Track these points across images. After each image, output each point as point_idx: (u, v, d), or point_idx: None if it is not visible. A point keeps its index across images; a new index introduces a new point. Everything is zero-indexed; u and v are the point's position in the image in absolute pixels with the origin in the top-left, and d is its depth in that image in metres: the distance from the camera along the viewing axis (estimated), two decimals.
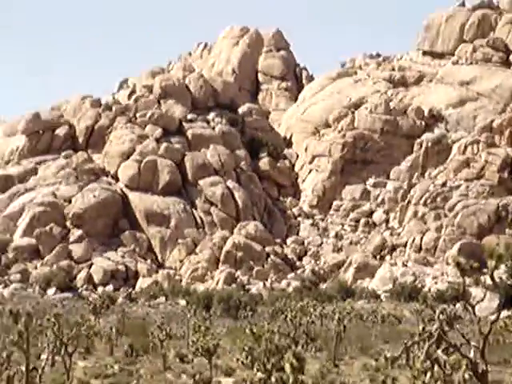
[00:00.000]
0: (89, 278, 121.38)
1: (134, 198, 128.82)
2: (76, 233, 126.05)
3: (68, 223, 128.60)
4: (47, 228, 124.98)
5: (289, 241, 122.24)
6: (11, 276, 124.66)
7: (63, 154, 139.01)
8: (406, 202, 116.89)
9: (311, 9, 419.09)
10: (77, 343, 49.75)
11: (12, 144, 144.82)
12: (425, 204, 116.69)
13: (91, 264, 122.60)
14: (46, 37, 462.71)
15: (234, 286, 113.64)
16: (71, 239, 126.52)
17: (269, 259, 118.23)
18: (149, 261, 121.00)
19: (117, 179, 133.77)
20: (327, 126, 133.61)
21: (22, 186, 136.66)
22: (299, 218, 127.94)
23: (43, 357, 45.57)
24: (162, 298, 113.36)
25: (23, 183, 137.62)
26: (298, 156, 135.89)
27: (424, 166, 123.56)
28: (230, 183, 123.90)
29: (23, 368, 37.62)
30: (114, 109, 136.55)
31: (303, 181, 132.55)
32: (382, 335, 68.69)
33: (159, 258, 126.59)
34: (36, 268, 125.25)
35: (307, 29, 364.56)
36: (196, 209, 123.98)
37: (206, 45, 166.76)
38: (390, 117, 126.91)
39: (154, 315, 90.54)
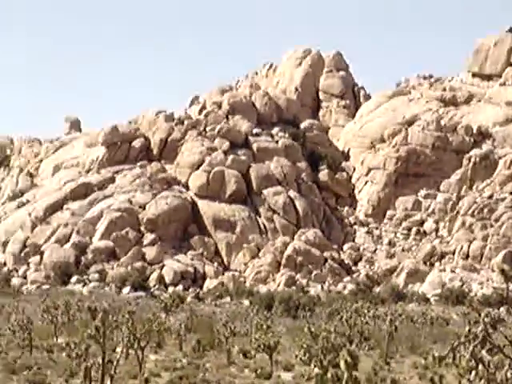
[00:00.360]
0: (160, 279, 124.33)
1: (203, 205, 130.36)
2: (149, 237, 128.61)
3: (142, 228, 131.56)
4: (123, 232, 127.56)
5: (345, 247, 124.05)
6: (90, 275, 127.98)
7: (139, 164, 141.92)
8: (455, 212, 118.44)
9: (370, 32, 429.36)
10: (149, 338, 50.09)
11: (92, 154, 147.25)
12: (472, 215, 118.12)
13: (163, 266, 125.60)
14: (126, 58, 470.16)
15: (293, 288, 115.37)
16: (145, 242, 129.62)
17: (326, 264, 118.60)
18: (215, 263, 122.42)
19: (187, 188, 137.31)
20: (382, 141, 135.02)
21: (101, 193, 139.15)
22: (355, 226, 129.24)
23: (118, 350, 44.88)
24: (228, 298, 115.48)
25: (102, 190, 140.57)
26: (354, 169, 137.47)
27: (472, 179, 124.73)
28: (292, 193, 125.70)
29: (100, 360, 37.25)
30: (185, 123, 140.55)
31: (359, 191, 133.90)
32: (430, 336, 68.62)
33: (225, 261, 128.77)
34: (112, 268, 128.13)
35: (366, 51, 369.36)
36: (260, 216, 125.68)
37: (271, 65, 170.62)
38: (440, 133, 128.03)
39: (220, 314, 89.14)
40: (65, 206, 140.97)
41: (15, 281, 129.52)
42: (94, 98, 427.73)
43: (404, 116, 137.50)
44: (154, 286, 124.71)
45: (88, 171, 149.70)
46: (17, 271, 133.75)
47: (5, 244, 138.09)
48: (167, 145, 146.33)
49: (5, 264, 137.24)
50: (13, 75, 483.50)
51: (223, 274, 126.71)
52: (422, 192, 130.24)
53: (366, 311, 70.29)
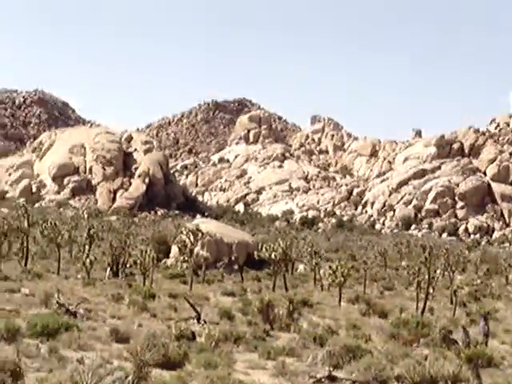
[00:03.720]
0: (466, 229, 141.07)
1: (495, 186, 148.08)
2: (460, 203, 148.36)
3: (456, 198, 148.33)
4: (444, 200, 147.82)
5: None
6: (422, 225, 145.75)
7: (455, 158, 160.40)
8: None
9: None
10: (457, 265, 56.70)
11: (427, 151, 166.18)
12: None
13: (467, 221, 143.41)
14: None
15: None
16: (457, 207, 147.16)
17: None
18: (501, 222, 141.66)
19: (485, 174, 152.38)
20: None
21: (431, 176, 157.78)
22: None
23: (438, 272, 47.59)
24: (507, 244, 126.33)
25: (432, 174, 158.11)
26: None
27: None
28: None
29: (426, 277, 42.73)
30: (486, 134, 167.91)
31: None
32: None
33: (507, 221, 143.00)
34: (436, 222, 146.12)
35: None
36: None
37: None
38: None
39: (502, 253, 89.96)
40: (409, 183, 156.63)
41: (377, 226, 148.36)
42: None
43: None
44: (462, 233, 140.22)
45: (424, 162, 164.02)
46: (378, 220, 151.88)
47: (372, 203, 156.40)
48: (474, 147, 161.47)
49: (372, 216, 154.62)
50: None
51: (505, 229, 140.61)
52: None
53: None
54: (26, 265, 52.99)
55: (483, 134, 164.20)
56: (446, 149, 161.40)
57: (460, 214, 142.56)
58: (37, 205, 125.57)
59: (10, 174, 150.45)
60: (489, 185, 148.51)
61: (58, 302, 31.42)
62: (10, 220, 62.43)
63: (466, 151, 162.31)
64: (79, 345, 23.85)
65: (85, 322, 29.07)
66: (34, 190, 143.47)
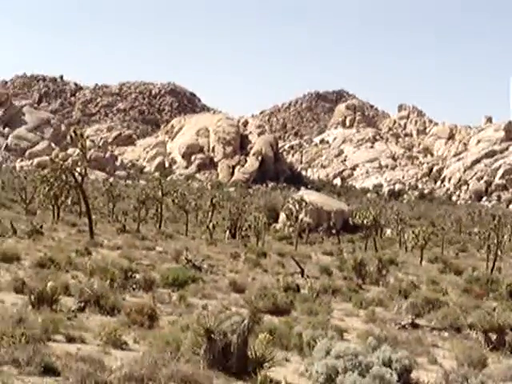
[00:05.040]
0: None
1: None
2: None
3: None
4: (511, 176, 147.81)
5: None
6: (491, 198, 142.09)
7: None
8: None
9: None
10: None
11: (496, 135, 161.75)
12: None
13: None
14: None
15: None
16: None
17: None
18: None
19: None
20: None
21: (500, 156, 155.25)
22: None
23: (505, 237, 47.24)
24: None
25: (501, 154, 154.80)
26: None
27: None
28: None
29: (495, 241, 43.54)
30: None
31: None
32: None
33: None
34: (504, 195, 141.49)
35: None
36: None
37: None
38: None
39: None
40: (481, 161, 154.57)
41: (453, 198, 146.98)
42: None
43: None
44: None
45: (494, 144, 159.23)
46: (454, 193, 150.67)
47: (449, 179, 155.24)
48: None
49: (448, 189, 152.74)
50: None
51: None
52: None
53: None
54: (160, 227, 53.94)
55: None
56: None
57: None
58: (168, 178, 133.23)
59: (147, 152, 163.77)
60: None
61: (186, 258, 30.91)
62: (147, 190, 63.81)
63: None
64: (203, 294, 23.69)
65: (208, 275, 28.85)
66: (166, 165, 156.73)
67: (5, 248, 27.43)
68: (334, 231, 65.14)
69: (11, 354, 11.46)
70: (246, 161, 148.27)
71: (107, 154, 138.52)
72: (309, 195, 70.89)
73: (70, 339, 14.38)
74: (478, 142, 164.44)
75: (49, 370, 11.38)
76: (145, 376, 11.09)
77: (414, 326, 21.40)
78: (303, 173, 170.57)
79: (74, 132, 41.55)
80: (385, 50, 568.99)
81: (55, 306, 16.90)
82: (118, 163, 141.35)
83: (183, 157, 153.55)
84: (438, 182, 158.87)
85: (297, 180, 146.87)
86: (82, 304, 17.72)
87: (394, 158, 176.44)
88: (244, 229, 54.99)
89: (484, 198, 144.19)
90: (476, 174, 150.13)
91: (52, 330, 14.46)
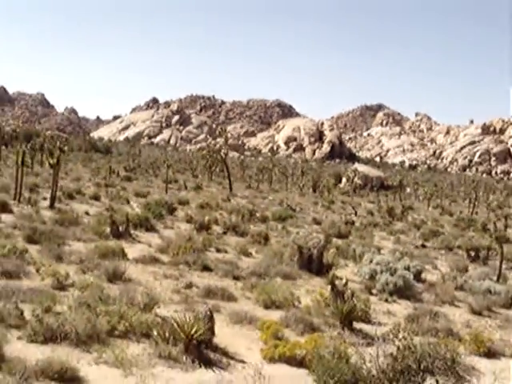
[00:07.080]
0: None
1: None
2: None
3: None
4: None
5: None
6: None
7: None
8: None
9: None
10: (489, 191, 66.73)
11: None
12: None
13: None
14: None
15: None
16: None
17: None
18: None
19: None
20: None
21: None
22: None
23: (480, 193, 59.60)
24: None
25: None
26: None
27: None
28: None
29: (474, 196, 54.85)
30: None
31: None
32: None
33: None
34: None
35: None
36: None
37: None
38: None
39: None
40: (465, 147, 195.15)
41: (449, 169, 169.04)
42: None
43: None
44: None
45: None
46: (450, 167, 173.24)
47: (446, 157, 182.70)
48: None
49: (445, 164, 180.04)
50: None
51: None
52: None
53: None
54: (270, 185, 67.15)
55: None
56: None
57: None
58: (276, 156, 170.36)
59: (263, 141, 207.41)
60: None
61: (286, 204, 36.77)
62: (263, 164, 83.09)
63: None
64: (296, 225, 27.01)
65: (299, 213, 33.07)
66: (275, 148, 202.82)
67: (180, 196, 35.91)
68: (375, 189, 76.57)
69: (184, 258, 15.22)
70: (322, 146, 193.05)
71: (239, 142, 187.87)
72: (360, 167, 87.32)
73: (218, 250, 18.07)
74: (465, 135, 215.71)
75: (206, 268, 14.99)
76: (262, 272, 14.35)
77: (423, 246, 24.79)
78: (357, 154, 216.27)
79: (221, 129, 56.33)
80: (406, 69, 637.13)
81: (209, 230, 21.04)
82: (246, 147, 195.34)
83: (285, 144, 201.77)
84: (439, 160, 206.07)
85: (353, 158, 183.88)
86: (225, 230, 21.99)
87: (412, 145, 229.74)
88: (321, 187, 63.73)
89: (467, 170, 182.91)
90: (463, 155, 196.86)
91: (207, 244, 18.29)
